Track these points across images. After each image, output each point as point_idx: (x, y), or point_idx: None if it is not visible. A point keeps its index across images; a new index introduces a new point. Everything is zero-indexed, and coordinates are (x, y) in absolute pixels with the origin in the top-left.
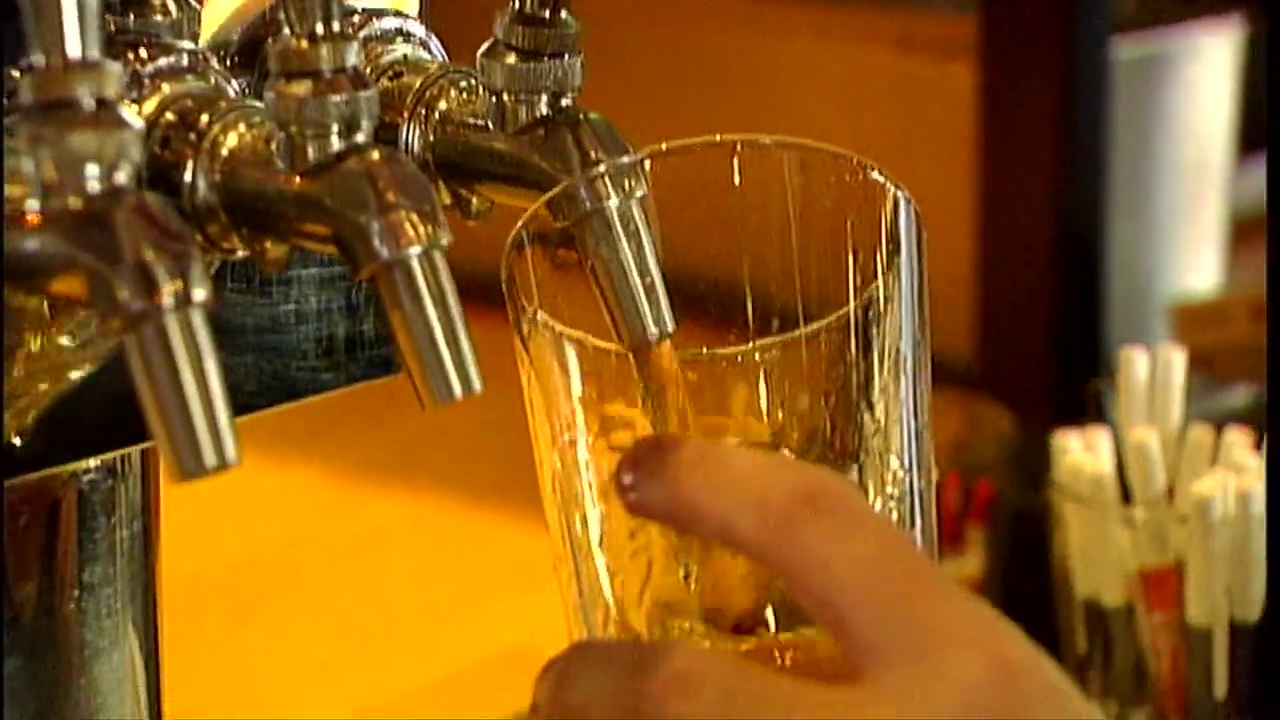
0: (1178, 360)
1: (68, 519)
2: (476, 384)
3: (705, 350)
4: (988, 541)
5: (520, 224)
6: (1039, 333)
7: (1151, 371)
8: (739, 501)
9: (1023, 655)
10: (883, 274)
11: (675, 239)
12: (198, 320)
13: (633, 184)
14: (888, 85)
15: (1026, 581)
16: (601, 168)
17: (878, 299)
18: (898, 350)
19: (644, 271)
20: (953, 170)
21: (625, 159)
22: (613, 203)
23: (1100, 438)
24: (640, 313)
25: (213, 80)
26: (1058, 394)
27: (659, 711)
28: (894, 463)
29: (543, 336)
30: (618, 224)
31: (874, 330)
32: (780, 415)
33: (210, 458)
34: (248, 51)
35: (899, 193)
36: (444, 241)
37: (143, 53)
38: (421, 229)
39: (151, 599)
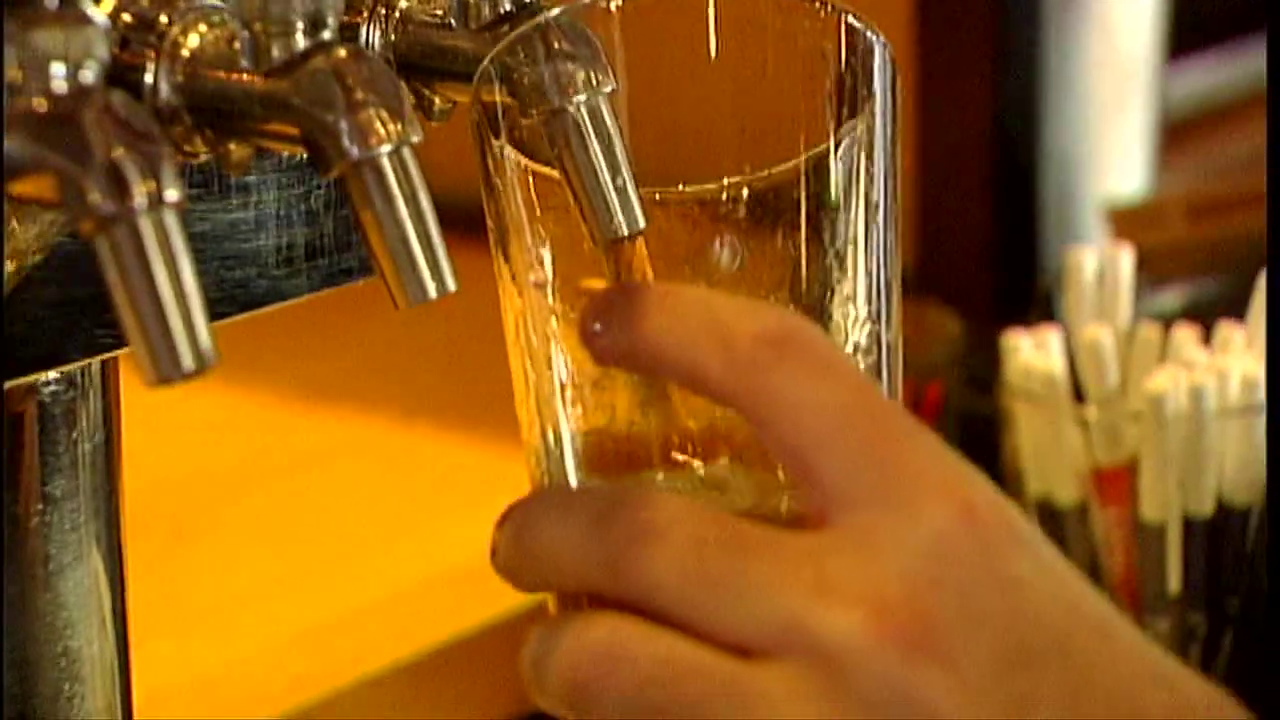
0: (1125, 258)
1: (29, 432)
2: (450, 283)
3: (678, 187)
4: None
5: (488, 59)
6: (978, 234)
7: (1099, 270)
8: (705, 345)
9: (989, 501)
10: (857, 119)
11: (649, 82)
12: (170, 221)
13: (600, 79)
14: None
15: None
16: (555, 11)
17: (851, 144)
18: (868, 197)
19: (614, 169)
20: None
21: None
22: (581, 99)
23: (1051, 337)
24: (610, 211)
25: None
26: (998, 295)
27: (626, 559)
28: (862, 312)
29: (509, 172)
30: (587, 121)
31: (846, 175)
32: (749, 257)
33: (188, 360)
34: None
35: (875, 38)
36: (414, 139)
37: None
38: (391, 126)
39: (114, 512)
